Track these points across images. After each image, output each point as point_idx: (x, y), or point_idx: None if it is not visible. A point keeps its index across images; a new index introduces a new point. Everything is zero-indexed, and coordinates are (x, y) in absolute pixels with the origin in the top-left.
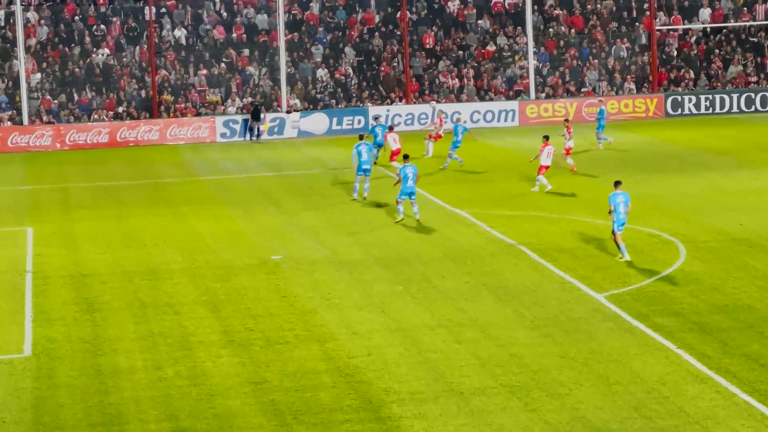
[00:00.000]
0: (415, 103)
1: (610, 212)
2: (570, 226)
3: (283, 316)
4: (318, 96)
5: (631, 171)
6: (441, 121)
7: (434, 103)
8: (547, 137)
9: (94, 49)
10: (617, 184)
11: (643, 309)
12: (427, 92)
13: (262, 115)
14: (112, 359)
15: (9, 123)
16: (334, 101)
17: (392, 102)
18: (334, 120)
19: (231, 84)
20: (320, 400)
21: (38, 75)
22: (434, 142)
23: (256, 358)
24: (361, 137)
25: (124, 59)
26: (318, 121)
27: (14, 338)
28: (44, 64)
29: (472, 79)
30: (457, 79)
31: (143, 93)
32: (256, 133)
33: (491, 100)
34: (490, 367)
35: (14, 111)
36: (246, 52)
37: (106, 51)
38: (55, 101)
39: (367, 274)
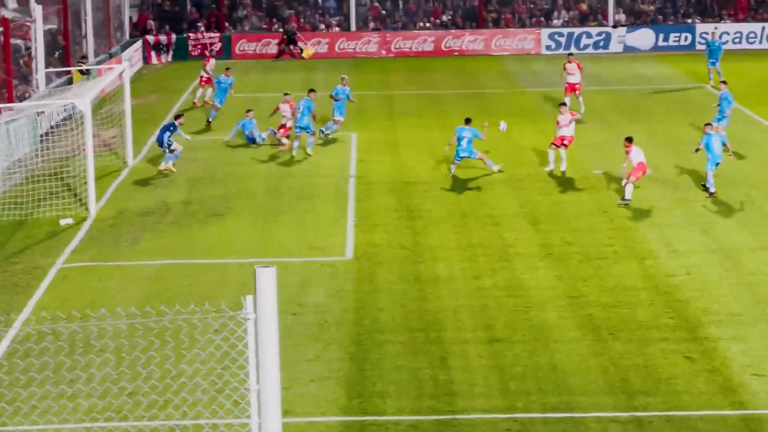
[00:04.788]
0: (744, 21)
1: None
2: None
3: (603, 231)
4: (644, 10)
5: None
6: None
7: None
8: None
9: None
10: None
11: None
12: (758, 10)
13: (300, 44)
14: (432, 267)
15: (337, 29)
16: (661, 17)
17: (721, 19)
18: (661, 36)
19: None
20: (637, 317)
21: None
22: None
23: (574, 272)
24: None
25: None
26: (644, 37)
27: (337, 241)
28: None
29: None
30: None
31: (468, 3)
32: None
33: None
34: None
35: (342, 17)
36: None
37: None
38: (383, 8)
39: (690, 193)
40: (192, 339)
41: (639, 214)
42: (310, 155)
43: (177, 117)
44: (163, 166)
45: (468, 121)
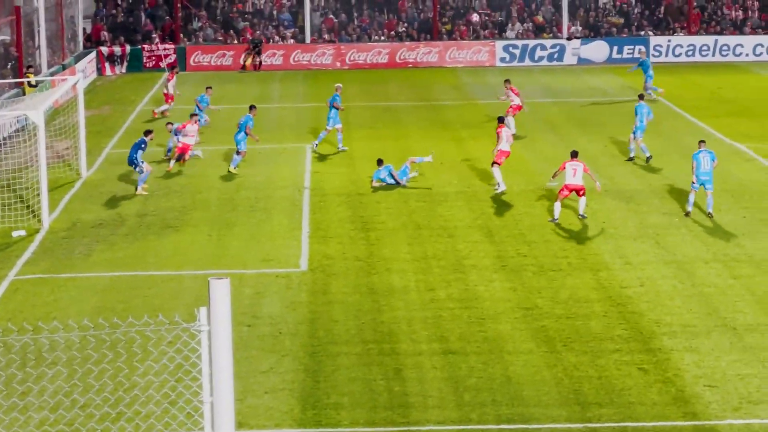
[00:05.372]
0: (697, 34)
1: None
2: None
3: (557, 243)
4: (599, 23)
5: None
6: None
7: None
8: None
9: None
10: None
11: None
12: (711, 23)
13: (263, 54)
14: (386, 278)
15: (292, 41)
16: (614, 29)
17: (674, 32)
18: (615, 48)
19: (512, 8)
20: (591, 329)
21: None
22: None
23: (528, 283)
24: None
25: None
26: (598, 49)
27: (292, 253)
28: None
29: (756, 11)
30: (741, 11)
31: (423, 15)
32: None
33: None
34: (765, 304)
35: (297, 29)
36: None
37: None
38: (337, 20)
39: (644, 205)
40: (145, 351)
41: (593, 225)
42: (231, 172)
43: (147, 133)
44: (139, 190)
45: (380, 162)
